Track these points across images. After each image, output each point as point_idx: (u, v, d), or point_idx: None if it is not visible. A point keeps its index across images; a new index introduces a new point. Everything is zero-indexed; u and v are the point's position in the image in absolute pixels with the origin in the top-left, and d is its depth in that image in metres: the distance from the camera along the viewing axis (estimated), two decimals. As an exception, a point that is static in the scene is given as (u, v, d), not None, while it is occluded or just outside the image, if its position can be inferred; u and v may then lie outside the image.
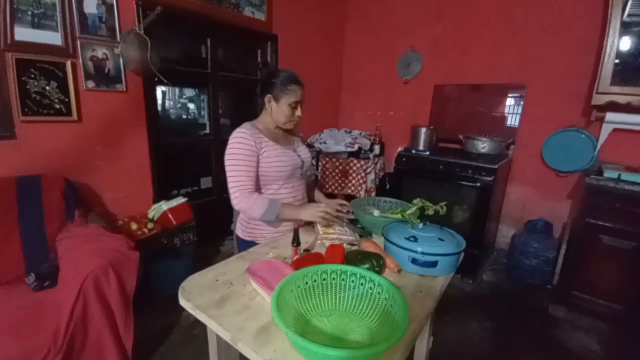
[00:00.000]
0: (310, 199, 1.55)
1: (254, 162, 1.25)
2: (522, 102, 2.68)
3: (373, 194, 3.02)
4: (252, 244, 1.30)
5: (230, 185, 1.23)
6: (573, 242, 2.15)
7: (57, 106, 1.83)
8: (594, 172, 2.12)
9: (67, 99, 1.85)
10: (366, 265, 0.96)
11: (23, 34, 1.68)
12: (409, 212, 1.29)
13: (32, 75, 1.73)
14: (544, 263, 2.38)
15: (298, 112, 1.33)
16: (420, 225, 1.16)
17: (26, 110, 1.74)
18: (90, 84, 1.93)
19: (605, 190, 1.97)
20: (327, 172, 3.08)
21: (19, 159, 1.76)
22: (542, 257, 2.37)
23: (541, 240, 2.42)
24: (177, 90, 2.81)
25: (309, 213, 1.23)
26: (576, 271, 2.11)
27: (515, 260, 2.50)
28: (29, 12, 1.68)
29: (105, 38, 1.94)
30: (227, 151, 1.25)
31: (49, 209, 1.69)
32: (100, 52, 1.94)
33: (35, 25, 1.71)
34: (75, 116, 1.89)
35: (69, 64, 1.83)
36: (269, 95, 1.30)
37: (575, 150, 2.40)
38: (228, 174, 1.24)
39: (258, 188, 1.32)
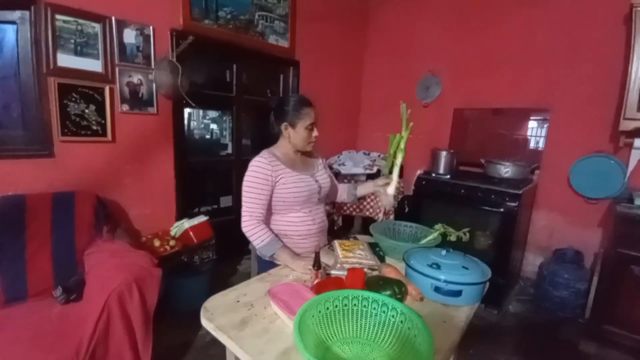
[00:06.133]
0: (351, 195, 1.61)
1: (268, 191, 1.30)
2: (545, 126, 2.63)
3: (391, 217, 2.98)
4: (271, 264, 1.31)
5: (243, 209, 1.31)
6: (605, 274, 2.02)
7: (94, 127, 1.95)
8: (624, 200, 2.02)
9: (103, 121, 1.97)
10: (388, 292, 0.94)
11: (66, 60, 1.81)
12: (429, 238, 1.27)
13: (73, 99, 1.86)
14: (575, 295, 2.24)
15: (315, 133, 1.37)
16: (443, 252, 1.13)
17: (65, 130, 1.85)
18: (125, 107, 2.05)
19: (637, 219, 1.87)
20: (345, 194, 3.08)
21: (56, 175, 1.86)
22: (573, 289, 2.24)
23: (571, 270, 2.30)
24: (200, 111, 2.93)
25: (302, 267, 1.20)
26: (609, 304, 1.97)
27: (544, 291, 2.38)
28: (72, 41, 1.82)
29: (141, 65, 2.08)
30: (245, 177, 1.32)
31: (80, 225, 1.76)
32: (135, 78, 2.07)
33: (77, 53, 1.85)
34: (109, 137, 2.01)
35: (107, 89, 1.96)
36: (285, 123, 1.35)
37: (605, 176, 2.30)
38: (243, 199, 1.31)
39: (270, 214, 1.38)
